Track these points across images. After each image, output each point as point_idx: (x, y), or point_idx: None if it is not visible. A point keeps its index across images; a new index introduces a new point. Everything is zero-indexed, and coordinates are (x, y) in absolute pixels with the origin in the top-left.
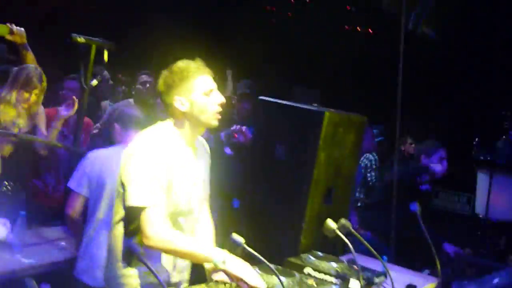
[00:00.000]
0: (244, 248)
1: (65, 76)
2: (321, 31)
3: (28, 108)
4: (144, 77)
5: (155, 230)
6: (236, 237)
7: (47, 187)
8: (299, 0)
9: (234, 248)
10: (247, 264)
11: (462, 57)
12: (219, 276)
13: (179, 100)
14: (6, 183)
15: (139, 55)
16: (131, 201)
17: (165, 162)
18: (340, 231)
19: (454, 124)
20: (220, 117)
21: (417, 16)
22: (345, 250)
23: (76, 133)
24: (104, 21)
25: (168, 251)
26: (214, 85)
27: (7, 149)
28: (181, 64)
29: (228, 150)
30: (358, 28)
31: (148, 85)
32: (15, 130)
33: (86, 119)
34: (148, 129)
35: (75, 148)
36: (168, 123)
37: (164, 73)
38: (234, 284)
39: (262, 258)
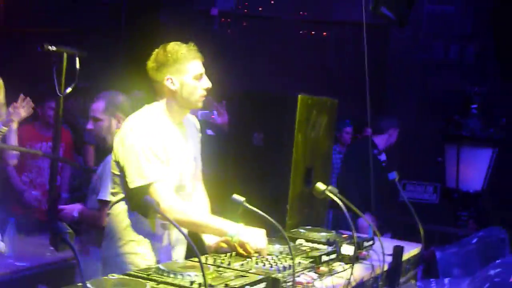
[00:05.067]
0: (245, 206)
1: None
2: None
3: None
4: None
5: (169, 203)
6: (237, 196)
7: (34, 201)
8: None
9: (235, 207)
10: (261, 232)
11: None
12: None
13: (170, 80)
14: None
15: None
16: (135, 183)
17: (160, 139)
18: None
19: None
20: (204, 100)
21: None
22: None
23: (55, 140)
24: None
25: (183, 222)
26: (203, 70)
27: None
28: (176, 45)
29: (209, 132)
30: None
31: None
32: None
33: (66, 131)
34: (136, 113)
35: (55, 156)
36: (156, 104)
37: (158, 51)
38: (234, 253)
39: (262, 213)
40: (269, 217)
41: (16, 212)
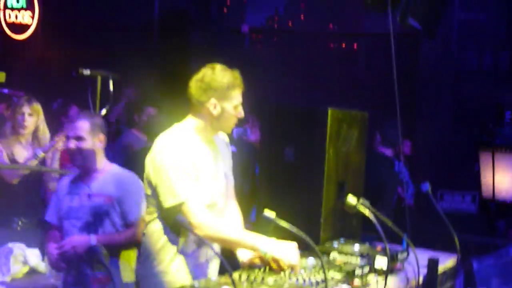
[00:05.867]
0: (276, 223)
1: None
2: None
3: (32, 135)
4: (151, 110)
5: (201, 219)
6: (268, 213)
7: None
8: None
9: (266, 224)
10: (293, 246)
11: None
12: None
13: (214, 104)
14: (20, 221)
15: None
16: (168, 202)
17: (190, 158)
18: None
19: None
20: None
21: (403, 9)
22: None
23: None
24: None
25: (216, 239)
26: (241, 100)
27: (15, 181)
28: (225, 71)
29: (233, 148)
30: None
31: (154, 119)
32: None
33: None
34: (166, 132)
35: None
36: (187, 122)
37: (205, 71)
38: (267, 269)
39: (294, 229)
40: (301, 233)
41: None
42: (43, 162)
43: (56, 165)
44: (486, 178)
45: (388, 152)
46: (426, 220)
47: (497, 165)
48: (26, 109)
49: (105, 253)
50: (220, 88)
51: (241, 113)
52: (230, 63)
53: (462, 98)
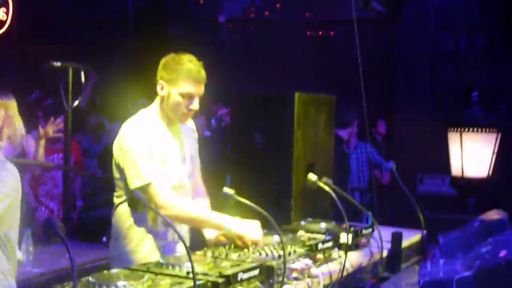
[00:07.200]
0: (235, 198)
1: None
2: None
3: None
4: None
5: (167, 200)
6: (227, 190)
7: (52, 212)
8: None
9: (226, 200)
10: (256, 224)
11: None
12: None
13: (161, 84)
14: None
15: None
16: (134, 184)
17: (155, 141)
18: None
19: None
20: (187, 119)
21: None
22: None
23: (65, 153)
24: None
25: (183, 218)
26: (197, 92)
27: None
28: (186, 59)
29: (206, 132)
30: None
31: None
32: None
33: (74, 143)
34: (132, 117)
35: (68, 167)
36: (151, 107)
37: (171, 55)
38: (232, 246)
39: (254, 205)
40: (258, 208)
41: (33, 224)
42: (23, 151)
43: (40, 155)
44: (455, 156)
45: (341, 133)
46: (403, 200)
47: (464, 144)
48: None
49: (61, 225)
50: (171, 72)
51: (194, 105)
52: (207, 53)
53: (439, 81)
